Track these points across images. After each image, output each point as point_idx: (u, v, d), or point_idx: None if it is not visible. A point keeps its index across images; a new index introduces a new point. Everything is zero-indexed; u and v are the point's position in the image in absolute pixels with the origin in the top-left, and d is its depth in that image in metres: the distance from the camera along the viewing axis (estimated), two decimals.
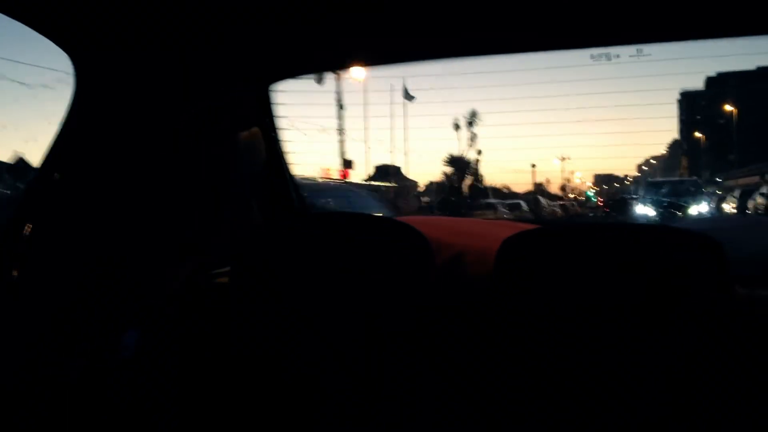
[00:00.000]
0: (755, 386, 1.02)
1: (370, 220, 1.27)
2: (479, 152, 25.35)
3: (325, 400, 1.16)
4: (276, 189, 1.85)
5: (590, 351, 1.04)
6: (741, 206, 18.24)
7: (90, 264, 1.34)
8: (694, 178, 21.48)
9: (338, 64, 1.69)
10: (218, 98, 1.56)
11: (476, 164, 26.21)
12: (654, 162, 64.59)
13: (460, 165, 25.58)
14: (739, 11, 1.23)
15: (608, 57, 1.54)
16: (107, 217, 1.37)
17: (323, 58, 1.64)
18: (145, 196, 1.42)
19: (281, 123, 1.82)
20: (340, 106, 22.36)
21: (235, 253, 1.28)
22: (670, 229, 1.09)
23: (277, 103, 1.79)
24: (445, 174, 26.02)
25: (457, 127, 25.40)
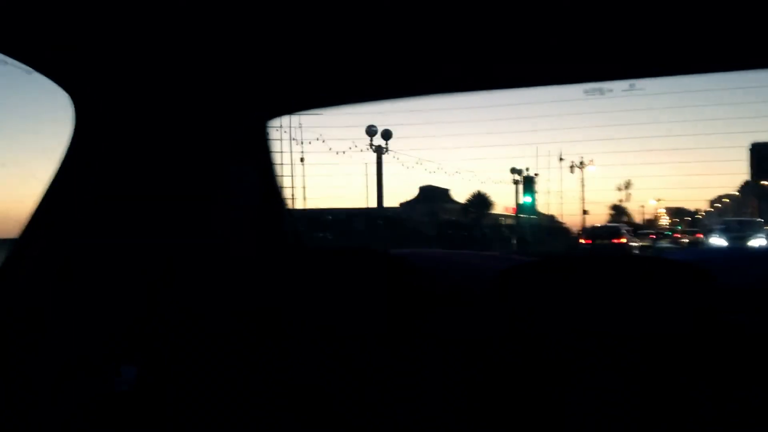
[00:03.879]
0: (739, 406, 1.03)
1: (362, 253, 1.29)
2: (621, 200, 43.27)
3: None
4: (271, 222, 1.86)
5: (581, 377, 1.06)
6: None
7: (84, 295, 1.35)
8: (759, 219, 25.59)
9: (336, 100, 1.72)
10: (215, 132, 1.59)
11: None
12: (726, 200, 65.19)
13: (619, 210, 45.21)
14: (727, 47, 1.27)
15: (602, 91, 1.60)
16: (102, 248, 1.38)
17: (322, 95, 1.67)
18: (138, 226, 1.43)
19: (276, 158, 1.84)
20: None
21: (231, 283, 1.29)
22: (663, 260, 1.12)
23: (273, 138, 1.82)
24: (610, 215, 44.55)
25: (619, 189, 44.63)
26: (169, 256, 1.49)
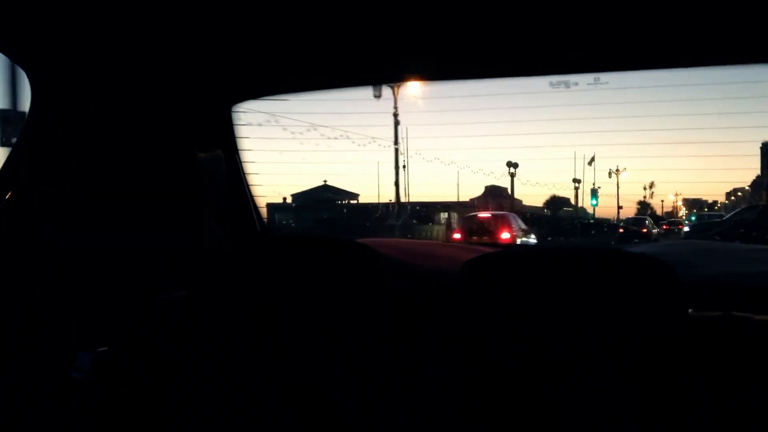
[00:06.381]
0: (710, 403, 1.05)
1: (329, 242, 1.27)
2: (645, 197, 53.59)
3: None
4: (238, 210, 1.83)
5: (547, 368, 1.07)
6: None
7: (50, 285, 1.31)
8: (723, 213, 32.21)
9: (301, 86, 1.69)
10: (181, 119, 1.55)
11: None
12: (740, 194, 67.57)
13: (644, 205, 54.21)
14: (700, 43, 1.28)
15: (567, 84, 1.63)
16: (65, 238, 1.33)
17: (288, 80, 1.65)
18: (102, 215, 1.39)
19: (243, 144, 1.81)
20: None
21: (195, 272, 1.27)
22: (624, 253, 1.13)
23: (240, 124, 1.79)
24: (637, 209, 52.98)
25: (644, 188, 54.09)
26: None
